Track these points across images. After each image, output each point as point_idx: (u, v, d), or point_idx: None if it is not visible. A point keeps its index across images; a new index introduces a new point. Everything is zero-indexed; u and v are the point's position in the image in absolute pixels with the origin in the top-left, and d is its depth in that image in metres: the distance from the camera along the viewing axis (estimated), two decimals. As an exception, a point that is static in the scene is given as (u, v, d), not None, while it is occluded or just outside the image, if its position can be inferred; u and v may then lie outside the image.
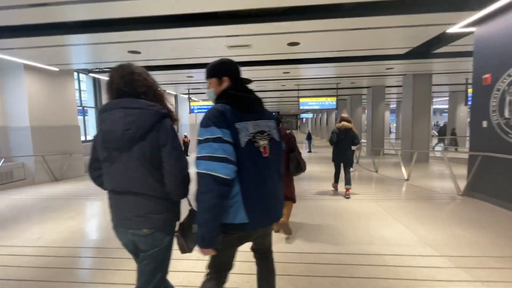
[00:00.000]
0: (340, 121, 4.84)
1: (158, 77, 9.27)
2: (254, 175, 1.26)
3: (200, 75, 8.89)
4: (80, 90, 8.95)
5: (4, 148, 6.52)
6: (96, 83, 9.63)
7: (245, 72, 8.00)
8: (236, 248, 1.38)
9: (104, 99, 7.66)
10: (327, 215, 3.84)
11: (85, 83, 9.51)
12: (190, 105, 12.66)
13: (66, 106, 7.61)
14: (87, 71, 8.47)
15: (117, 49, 5.41)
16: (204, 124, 1.20)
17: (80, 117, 8.86)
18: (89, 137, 9.55)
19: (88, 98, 9.66)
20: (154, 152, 1.20)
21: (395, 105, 23.23)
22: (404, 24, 4.37)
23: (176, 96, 15.28)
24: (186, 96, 14.32)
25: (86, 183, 6.84)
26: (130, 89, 1.22)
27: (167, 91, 13.34)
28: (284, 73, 8.56)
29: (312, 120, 33.29)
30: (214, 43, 5.17)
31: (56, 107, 7.28)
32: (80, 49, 5.41)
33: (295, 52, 5.90)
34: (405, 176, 6.38)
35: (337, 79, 10.56)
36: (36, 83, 6.74)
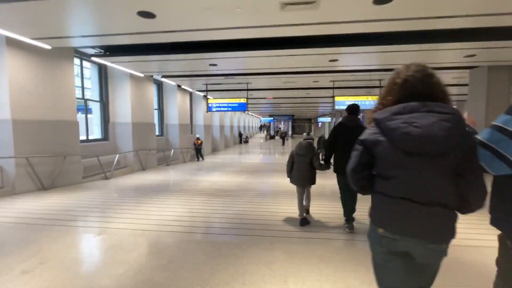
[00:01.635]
0: None
1: (173, 64, 7.66)
2: None
3: (226, 62, 7.21)
4: (82, 80, 7.44)
5: (-23, 147, 5.01)
6: (102, 72, 8.14)
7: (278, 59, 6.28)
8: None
9: (114, 92, 5.81)
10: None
11: (90, 79, 8.06)
12: (208, 103, 11.07)
13: (62, 96, 6.10)
14: (88, 56, 6.99)
15: (124, 10, 3.82)
16: (507, 110, 1.17)
17: (82, 112, 7.40)
18: (92, 137, 8.01)
19: (92, 90, 8.19)
20: (458, 161, 1.11)
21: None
22: None
23: (191, 94, 13.75)
24: (203, 93, 12.76)
25: (80, 194, 5.25)
26: (429, 92, 1.16)
27: (182, 86, 11.80)
28: (331, 61, 6.83)
29: (329, 125, 31.33)
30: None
31: (48, 97, 5.77)
32: (74, 9, 3.84)
33: (382, 20, 4.04)
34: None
35: (381, 73, 8.74)
36: (23, 65, 5.25)
